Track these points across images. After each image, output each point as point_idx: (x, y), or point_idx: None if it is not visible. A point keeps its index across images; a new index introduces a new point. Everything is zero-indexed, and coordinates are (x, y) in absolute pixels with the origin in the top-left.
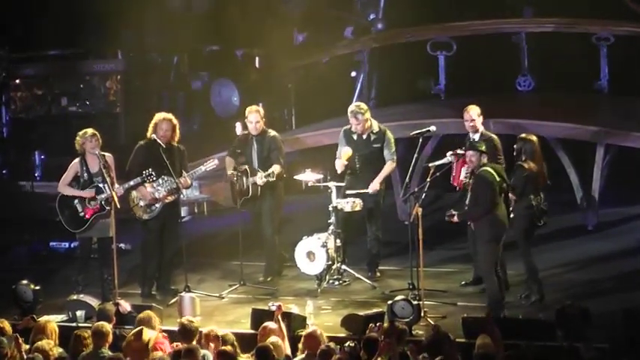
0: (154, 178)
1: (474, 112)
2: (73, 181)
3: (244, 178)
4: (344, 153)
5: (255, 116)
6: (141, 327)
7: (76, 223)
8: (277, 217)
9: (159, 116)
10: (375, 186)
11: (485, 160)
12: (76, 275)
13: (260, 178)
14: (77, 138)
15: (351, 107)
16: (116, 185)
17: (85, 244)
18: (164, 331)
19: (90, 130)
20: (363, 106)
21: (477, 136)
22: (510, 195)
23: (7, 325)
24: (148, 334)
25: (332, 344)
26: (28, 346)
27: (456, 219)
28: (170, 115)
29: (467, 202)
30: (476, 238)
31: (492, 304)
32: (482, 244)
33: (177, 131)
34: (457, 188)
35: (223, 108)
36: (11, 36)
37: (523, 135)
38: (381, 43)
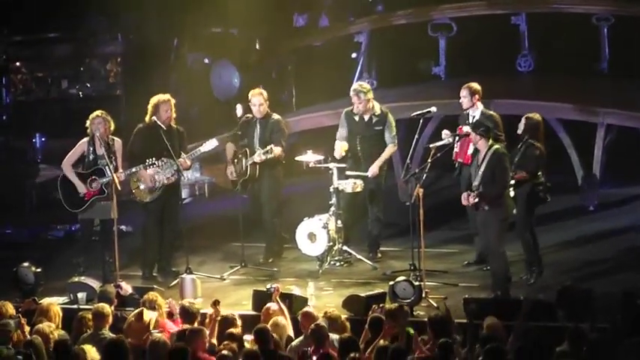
0: (156, 166)
1: (463, 91)
2: (79, 161)
3: (243, 160)
4: (340, 146)
5: (258, 99)
6: (141, 308)
7: (74, 202)
8: (276, 200)
9: (158, 98)
10: (374, 170)
11: (491, 139)
12: (77, 257)
13: (258, 155)
14: (88, 120)
15: (354, 86)
16: (120, 170)
17: (86, 226)
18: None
19: (97, 112)
20: (366, 85)
21: (477, 113)
22: (520, 174)
23: (10, 308)
24: (149, 315)
25: (322, 321)
26: (29, 328)
27: (468, 201)
28: (168, 96)
29: (476, 181)
30: (488, 218)
31: (498, 283)
32: (496, 222)
33: (174, 110)
34: (458, 164)
35: (224, 90)
36: (11, 18)
37: (530, 114)
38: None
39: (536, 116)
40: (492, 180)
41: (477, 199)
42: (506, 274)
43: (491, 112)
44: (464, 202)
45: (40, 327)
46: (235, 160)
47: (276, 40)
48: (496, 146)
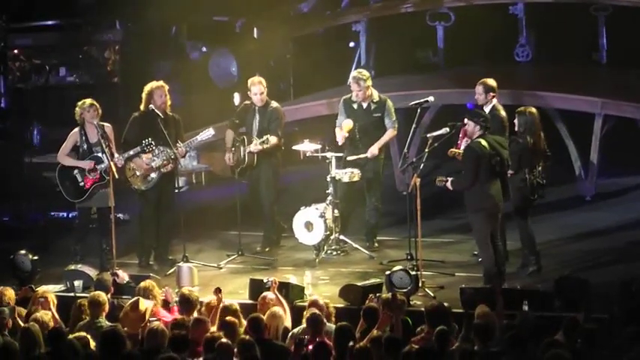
0: (153, 148)
1: (479, 87)
2: (73, 151)
3: (241, 147)
4: (345, 124)
5: (258, 88)
6: (137, 297)
7: (75, 193)
8: (275, 188)
9: (151, 85)
10: (373, 151)
11: (479, 131)
12: (74, 245)
13: (254, 145)
14: (76, 108)
15: (353, 73)
16: (116, 155)
17: (84, 214)
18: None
19: (88, 101)
20: (365, 72)
21: (488, 109)
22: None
23: (11, 294)
24: (145, 304)
25: (316, 310)
26: (24, 316)
27: (449, 184)
28: (161, 82)
29: None
30: (467, 210)
31: (487, 275)
32: (470, 214)
33: (169, 97)
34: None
35: (222, 79)
36: (9, 5)
37: (521, 108)
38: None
39: (529, 109)
40: (462, 173)
41: (447, 182)
42: (493, 268)
43: (500, 111)
44: (437, 183)
45: (36, 315)
46: (233, 148)
47: (275, 29)
48: (476, 140)
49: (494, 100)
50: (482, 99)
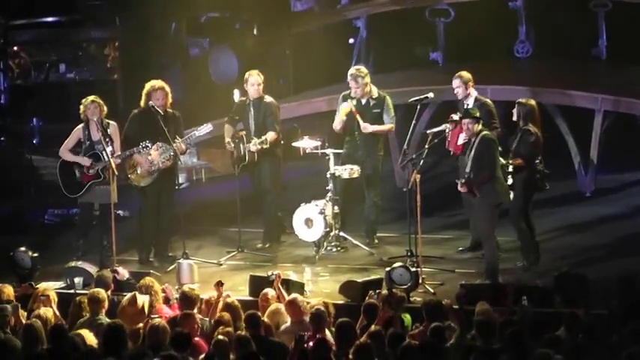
0: (149, 149)
1: (455, 81)
2: (76, 147)
3: (241, 145)
4: (343, 108)
5: (255, 79)
6: (134, 292)
7: (73, 188)
8: (277, 184)
9: (151, 85)
10: (367, 127)
11: (481, 126)
12: (76, 241)
13: (254, 145)
14: (81, 105)
15: (351, 70)
16: (117, 153)
17: (86, 210)
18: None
19: (91, 97)
20: (363, 69)
21: (470, 101)
22: (515, 161)
23: (9, 291)
24: (142, 299)
25: (321, 307)
26: (25, 313)
27: (473, 182)
28: (161, 83)
29: (467, 168)
30: (479, 203)
31: (490, 270)
32: (487, 208)
33: (170, 97)
34: (452, 153)
35: (222, 75)
36: (9, 2)
37: (522, 99)
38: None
39: (530, 101)
40: (480, 166)
41: (464, 187)
42: (496, 262)
43: (486, 100)
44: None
45: (39, 311)
46: (232, 145)
47: (274, 26)
48: (485, 132)
49: (474, 91)
50: (462, 91)
